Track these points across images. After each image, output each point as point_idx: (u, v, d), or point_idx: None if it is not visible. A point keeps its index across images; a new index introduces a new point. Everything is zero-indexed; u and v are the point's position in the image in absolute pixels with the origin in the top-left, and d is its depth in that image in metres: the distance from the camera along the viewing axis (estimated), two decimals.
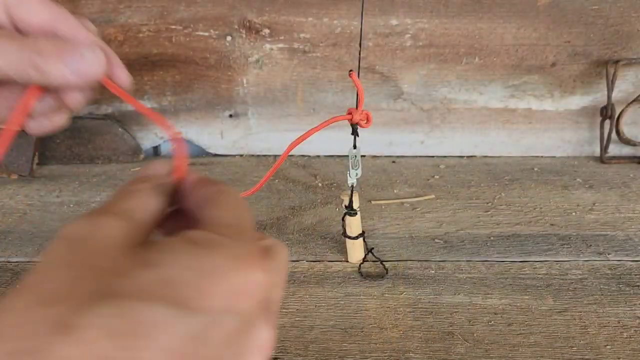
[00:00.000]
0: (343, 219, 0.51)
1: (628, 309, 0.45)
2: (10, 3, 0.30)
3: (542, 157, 0.78)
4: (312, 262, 0.52)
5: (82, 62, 0.29)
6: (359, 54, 0.45)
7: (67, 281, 0.20)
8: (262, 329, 0.22)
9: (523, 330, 0.42)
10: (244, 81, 0.74)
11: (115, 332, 0.18)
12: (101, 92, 0.35)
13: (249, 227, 0.25)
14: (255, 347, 0.22)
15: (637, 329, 0.43)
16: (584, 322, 0.43)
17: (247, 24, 0.71)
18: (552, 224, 0.59)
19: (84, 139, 0.75)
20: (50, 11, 0.30)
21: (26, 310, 0.19)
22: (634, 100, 0.72)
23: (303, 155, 0.76)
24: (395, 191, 0.67)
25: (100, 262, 0.20)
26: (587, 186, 0.68)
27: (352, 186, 0.48)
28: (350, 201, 0.49)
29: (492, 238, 0.56)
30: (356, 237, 0.51)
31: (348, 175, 0.47)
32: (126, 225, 0.23)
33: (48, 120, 0.32)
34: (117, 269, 0.20)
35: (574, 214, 0.61)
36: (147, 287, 0.20)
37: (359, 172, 0.47)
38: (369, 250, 0.52)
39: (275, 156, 0.77)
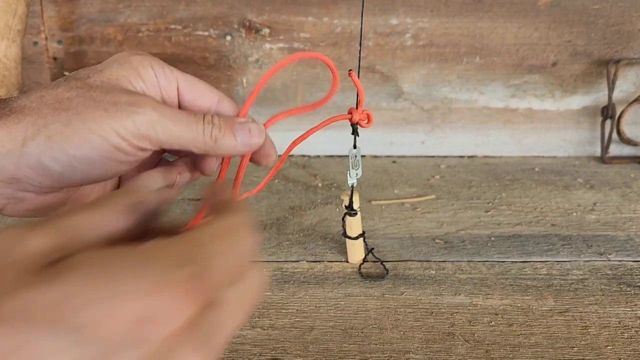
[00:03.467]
0: (343, 219, 0.51)
1: (629, 309, 0.45)
2: (184, 88, 0.35)
3: (543, 157, 0.77)
4: (312, 263, 0.52)
5: (250, 135, 0.34)
6: (359, 53, 0.45)
7: None
8: (184, 358, 0.20)
9: (524, 330, 0.42)
10: (244, 81, 0.74)
11: None
12: None
13: (204, 250, 0.21)
14: None
15: (638, 329, 0.42)
16: (585, 323, 0.43)
17: (247, 23, 0.71)
18: (553, 224, 0.58)
19: None
20: (216, 94, 0.36)
21: None
22: (634, 100, 0.72)
23: (303, 155, 0.76)
24: (395, 191, 0.67)
25: (5, 276, 0.18)
26: (588, 186, 0.68)
27: (353, 186, 0.48)
28: (351, 201, 0.49)
29: (492, 238, 0.56)
30: (356, 238, 0.51)
31: (348, 175, 0.47)
32: (54, 242, 0.20)
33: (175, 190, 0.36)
34: (13, 286, 0.18)
35: (574, 214, 0.61)
36: (39, 308, 0.17)
37: (360, 172, 0.47)
38: (369, 250, 0.52)
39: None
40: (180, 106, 0.36)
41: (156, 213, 0.25)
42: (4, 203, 0.33)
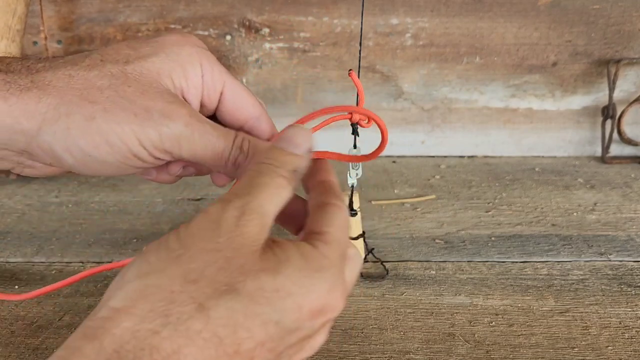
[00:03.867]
0: None
1: (630, 309, 0.45)
2: (227, 95, 0.34)
3: (543, 157, 0.77)
4: None
5: None
6: (359, 53, 0.45)
7: (211, 268, 0.24)
8: (321, 336, 0.28)
9: (524, 331, 0.42)
10: (244, 80, 0.74)
11: (230, 321, 0.23)
12: None
13: (347, 249, 0.29)
14: (309, 347, 0.27)
15: (638, 329, 0.42)
16: (586, 323, 0.43)
17: (247, 23, 0.71)
18: (553, 224, 0.58)
19: None
20: (257, 110, 0.35)
21: (173, 281, 0.23)
22: (635, 100, 0.72)
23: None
24: (395, 191, 0.67)
25: (238, 258, 0.24)
26: (588, 186, 0.67)
27: (353, 186, 0.48)
28: (351, 201, 0.49)
29: (493, 238, 0.56)
30: (356, 238, 0.51)
31: (348, 175, 0.47)
32: (261, 224, 0.26)
33: (168, 175, 0.35)
34: (246, 268, 0.24)
35: (575, 214, 0.61)
36: (262, 291, 0.24)
37: (359, 172, 0.47)
38: (369, 250, 0.52)
39: None
40: (217, 110, 0.34)
41: (301, 176, 0.30)
42: (14, 166, 0.33)
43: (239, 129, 0.35)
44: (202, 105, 0.34)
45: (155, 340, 0.21)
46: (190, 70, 0.32)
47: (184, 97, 0.32)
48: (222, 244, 0.24)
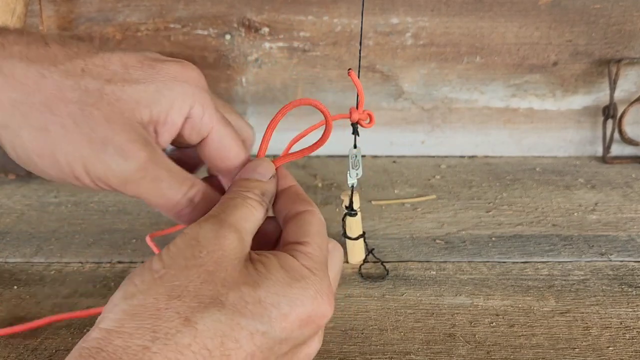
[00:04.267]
0: (343, 220, 0.50)
1: (630, 310, 0.44)
2: (211, 143, 0.32)
3: (543, 157, 0.77)
4: None
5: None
6: (359, 52, 0.44)
7: (194, 283, 0.24)
8: (315, 342, 0.29)
9: (525, 331, 0.42)
10: (243, 80, 0.74)
11: (217, 333, 0.23)
12: None
13: (326, 256, 0.30)
14: (304, 355, 0.28)
15: (639, 330, 0.42)
16: (586, 324, 0.43)
17: (247, 22, 0.71)
18: (554, 225, 0.58)
19: None
20: (239, 159, 0.33)
21: (158, 299, 0.24)
22: (636, 100, 0.71)
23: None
24: (395, 191, 0.66)
25: (220, 272, 0.25)
26: (589, 186, 0.67)
27: (353, 186, 0.48)
28: (351, 201, 0.49)
29: (493, 239, 0.55)
30: (356, 238, 0.50)
31: (348, 175, 0.46)
32: (239, 238, 0.27)
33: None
34: (228, 281, 0.25)
35: (576, 214, 0.60)
36: (245, 303, 0.25)
37: (360, 172, 0.46)
38: (369, 251, 0.52)
39: (274, 155, 0.76)
40: (198, 147, 0.33)
41: (272, 200, 0.32)
42: None
43: (216, 170, 0.34)
44: (179, 136, 0.32)
45: (147, 355, 0.22)
46: (176, 108, 0.30)
47: (155, 130, 0.30)
48: (203, 258, 0.25)
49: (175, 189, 0.30)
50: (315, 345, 0.29)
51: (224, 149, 0.33)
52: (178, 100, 0.30)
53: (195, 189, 0.31)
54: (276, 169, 0.34)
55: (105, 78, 0.28)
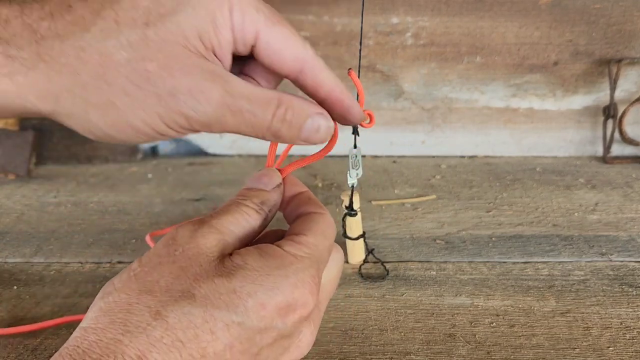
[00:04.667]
0: (343, 220, 0.50)
1: (631, 310, 0.44)
2: (262, 45, 0.28)
3: (544, 157, 0.77)
4: None
5: (317, 134, 0.30)
6: (360, 52, 0.44)
7: (166, 278, 0.25)
8: (303, 332, 0.28)
9: (525, 332, 0.42)
10: None
11: (189, 325, 0.23)
12: None
13: (324, 254, 0.29)
14: (294, 346, 0.28)
15: (639, 330, 0.42)
16: (587, 324, 0.43)
17: None
18: (554, 225, 0.58)
19: (81, 139, 0.75)
20: (299, 62, 0.29)
21: (130, 295, 0.24)
22: (636, 100, 0.71)
23: (303, 155, 0.76)
24: (396, 191, 0.66)
25: (193, 267, 0.25)
26: (589, 186, 0.67)
27: (353, 186, 0.48)
28: (351, 201, 0.49)
29: (493, 239, 0.55)
30: (356, 238, 0.50)
31: (348, 175, 0.46)
32: (219, 238, 0.27)
33: None
34: (201, 275, 0.25)
35: (576, 214, 0.60)
36: (219, 294, 0.24)
37: (360, 172, 0.46)
38: (369, 251, 0.52)
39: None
40: (255, 51, 0.29)
41: (276, 208, 0.32)
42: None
43: (285, 76, 0.30)
44: (235, 52, 0.29)
45: (119, 348, 0.23)
46: (220, 22, 0.26)
47: (215, 56, 0.27)
48: (177, 256, 0.26)
49: (261, 115, 0.27)
50: (305, 338, 0.28)
51: (279, 52, 0.28)
52: (217, 13, 0.26)
53: (283, 107, 0.28)
54: (284, 177, 0.33)
55: (143, 21, 0.25)
